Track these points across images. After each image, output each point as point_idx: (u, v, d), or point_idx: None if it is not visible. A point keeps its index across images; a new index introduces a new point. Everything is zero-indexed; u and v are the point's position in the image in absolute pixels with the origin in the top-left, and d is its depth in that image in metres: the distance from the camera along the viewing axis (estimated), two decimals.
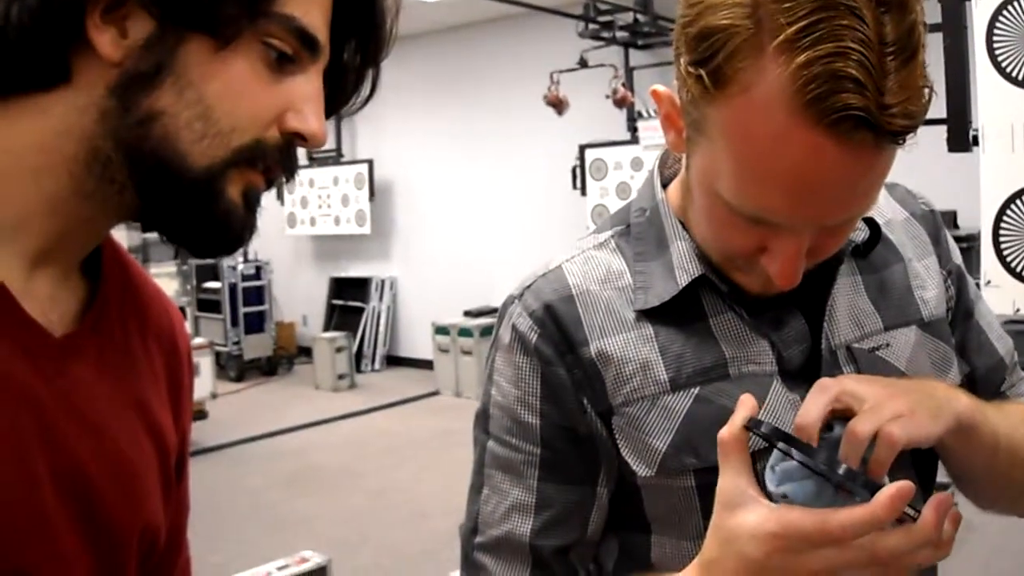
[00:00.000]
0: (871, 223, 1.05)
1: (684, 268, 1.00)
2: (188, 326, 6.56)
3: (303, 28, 0.76)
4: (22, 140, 0.74)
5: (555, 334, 1.00)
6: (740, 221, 0.87)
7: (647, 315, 1.00)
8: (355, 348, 9.97)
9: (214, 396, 7.54)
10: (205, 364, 7.44)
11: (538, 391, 1.00)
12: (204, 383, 7.41)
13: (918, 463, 1.03)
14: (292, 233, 11.16)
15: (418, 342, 9.94)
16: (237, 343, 10.23)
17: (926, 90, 0.79)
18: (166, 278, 7.71)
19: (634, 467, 0.97)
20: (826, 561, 0.76)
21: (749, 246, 0.90)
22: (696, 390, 0.97)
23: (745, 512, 0.79)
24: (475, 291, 9.25)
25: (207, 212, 0.77)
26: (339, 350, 9.49)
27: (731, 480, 0.81)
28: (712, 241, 0.97)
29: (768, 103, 0.77)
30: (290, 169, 0.81)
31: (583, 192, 8.54)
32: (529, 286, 1.05)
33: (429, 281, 10.04)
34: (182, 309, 7.64)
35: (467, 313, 8.98)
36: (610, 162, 8.37)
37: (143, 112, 0.73)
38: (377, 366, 10.32)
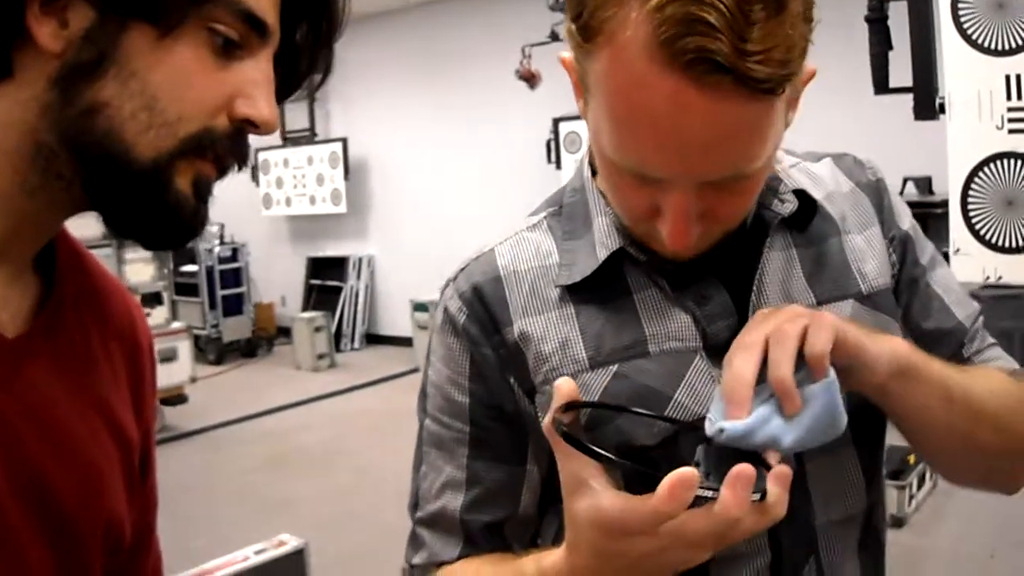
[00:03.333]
0: (802, 195, 1.03)
1: (603, 243, 1.01)
2: (165, 310, 6.52)
3: (250, 11, 0.74)
4: None
5: (482, 315, 1.03)
6: (629, 180, 0.88)
7: (571, 292, 1.01)
8: (334, 327, 9.97)
9: (193, 380, 7.50)
10: (183, 348, 7.40)
11: (467, 371, 1.03)
12: (183, 367, 7.37)
13: (859, 440, 1.02)
14: (268, 214, 11.12)
15: (397, 320, 9.94)
16: (216, 326, 10.20)
17: (799, 44, 0.79)
18: (141, 263, 7.60)
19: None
20: (646, 547, 0.76)
21: (643, 206, 0.90)
22: (615, 367, 0.98)
23: (578, 499, 0.79)
24: (453, 267, 9.19)
25: (156, 204, 0.75)
26: (318, 330, 9.48)
27: (564, 465, 0.81)
28: (615, 206, 0.98)
29: (629, 49, 0.78)
30: (242, 156, 0.79)
31: (558, 165, 8.54)
32: (463, 269, 1.07)
33: (406, 258, 10.02)
34: (158, 294, 7.62)
35: None
36: (584, 135, 8.31)
37: (86, 104, 0.71)
38: (357, 345, 10.32)
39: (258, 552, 2.98)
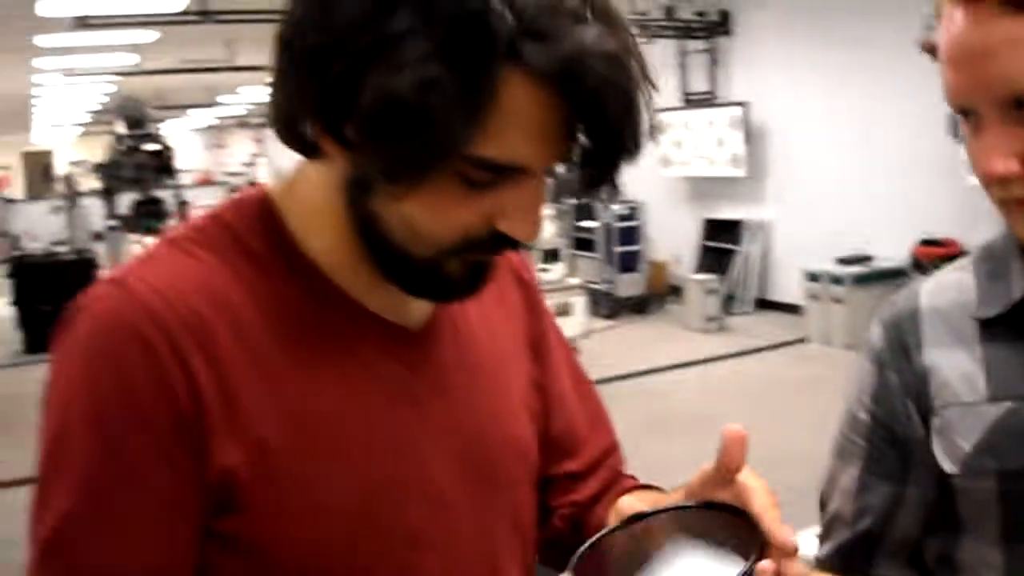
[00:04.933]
0: None
1: (1021, 280, 1.03)
2: (563, 266, 6.86)
3: (493, 162, 0.78)
4: (323, 186, 0.87)
5: (895, 342, 1.10)
6: (970, 127, 0.96)
7: (984, 327, 1.04)
8: (726, 291, 10.01)
9: (586, 334, 7.87)
10: (579, 303, 7.75)
11: (872, 392, 1.11)
12: (577, 321, 7.75)
13: None
14: (666, 174, 11.29)
15: (789, 287, 9.77)
16: (611, 282, 10.58)
17: None
18: (545, 219, 8.05)
19: (941, 463, 1.04)
20: None
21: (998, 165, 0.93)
22: (1010, 404, 1.00)
23: None
24: (848, 238, 8.94)
25: (434, 284, 0.87)
26: (710, 292, 9.55)
27: None
28: (977, 173, 0.98)
29: None
30: (512, 246, 0.86)
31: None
32: (891, 303, 1.15)
33: (802, 225, 9.81)
34: (556, 251, 8.00)
35: (839, 260, 8.72)
36: None
37: (365, 209, 0.83)
38: (747, 309, 10.28)
39: None
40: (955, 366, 1.04)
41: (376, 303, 0.91)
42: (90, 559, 0.80)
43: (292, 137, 0.84)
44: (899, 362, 1.09)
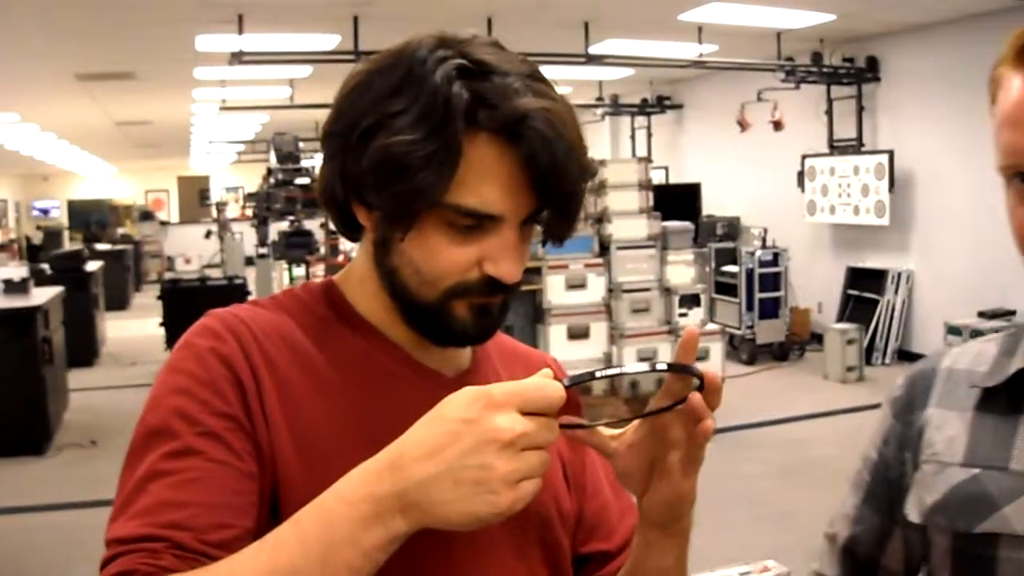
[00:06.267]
0: None
1: (1022, 358, 1.15)
2: (702, 311, 6.93)
3: (474, 210, 0.99)
4: (366, 260, 1.10)
5: (909, 396, 1.25)
6: (1013, 191, 1.11)
7: (984, 396, 1.17)
8: (867, 340, 9.88)
9: (722, 380, 7.88)
10: (715, 349, 7.82)
11: (882, 435, 1.27)
12: (713, 366, 7.79)
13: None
14: (811, 220, 11.25)
15: (930, 339, 9.59)
16: (751, 327, 10.59)
17: None
18: (683, 265, 8.05)
19: (907, 512, 1.19)
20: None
21: None
22: (977, 471, 1.13)
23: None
24: (991, 292, 8.75)
25: (447, 327, 1.07)
26: (850, 342, 9.46)
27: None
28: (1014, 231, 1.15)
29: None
30: (501, 289, 1.04)
31: None
32: (922, 359, 1.31)
33: (945, 277, 9.66)
34: (696, 296, 8.05)
35: (981, 314, 8.54)
36: None
37: (388, 267, 1.06)
38: (887, 360, 10.13)
39: (743, 574, 3.15)
40: (945, 427, 1.18)
41: (418, 354, 1.11)
42: (163, 495, 0.93)
43: (338, 218, 1.09)
44: (906, 414, 1.22)
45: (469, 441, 0.82)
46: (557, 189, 0.99)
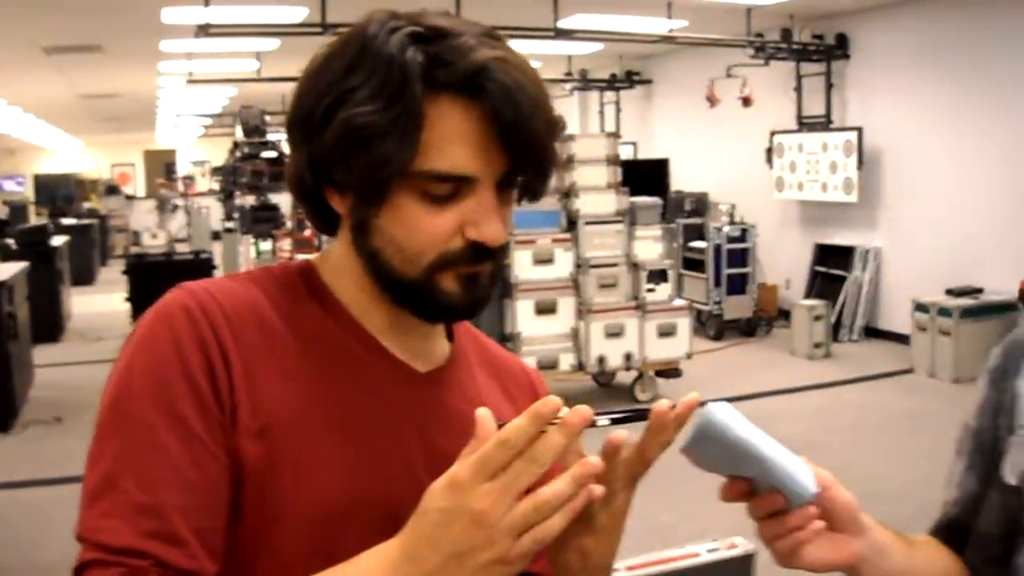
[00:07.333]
0: None
1: None
2: (669, 287, 6.95)
3: (445, 174, 0.98)
4: (343, 248, 1.08)
5: (1004, 365, 1.26)
6: None
7: None
8: (834, 317, 9.95)
9: (689, 356, 7.92)
10: (683, 325, 7.85)
11: (979, 402, 1.28)
12: (680, 342, 7.84)
13: None
14: (779, 197, 11.29)
15: (897, 316, 9.69)
16: (719, 303, 10.62)
17: None
18: (650, 240, 8.06)
19: (1004, 475, 1.21)
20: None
21: None
22: None
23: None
24: (958, 269, 8.84)
25: (434, 302, 1.04)
26: (817, 318, 9.51)
27: None
28: None
29: None
30: (487, 254, 1.02)
31: None
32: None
33: (913, 254, 9.72)
34: (663, 271, 8.04)
35: (948, 291, 8.61)
36: None
37: (368, 250, 1.04)
38: (855, 336, 10.21)
39: (710, 551, 3.16)
40: None
41: (392, 344, 1.11)
42: (136, 496, 0.91)
43: (312, 211, 1.09)
44: (1001, 383, 1.25)
45: (457, 528, 0.84)
46: (525, 140, 0.98)
